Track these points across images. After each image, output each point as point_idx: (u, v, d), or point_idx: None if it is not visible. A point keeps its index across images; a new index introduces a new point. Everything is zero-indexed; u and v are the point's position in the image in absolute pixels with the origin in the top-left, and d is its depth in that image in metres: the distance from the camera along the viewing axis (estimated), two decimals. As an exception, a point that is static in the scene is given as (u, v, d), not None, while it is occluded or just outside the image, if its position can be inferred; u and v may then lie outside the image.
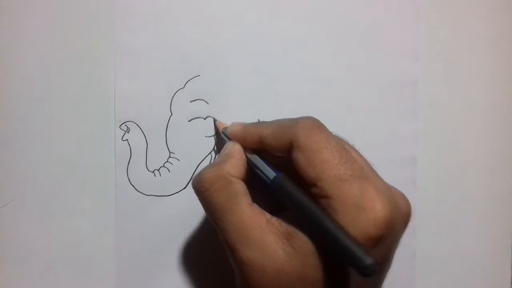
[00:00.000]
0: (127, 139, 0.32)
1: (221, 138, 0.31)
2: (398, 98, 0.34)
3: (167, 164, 0.32)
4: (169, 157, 0.32)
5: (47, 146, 0.31)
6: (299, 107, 0.32)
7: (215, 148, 0.32)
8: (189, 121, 0.32)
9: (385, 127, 0.33)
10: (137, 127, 0.32)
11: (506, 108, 0.35)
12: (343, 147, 0.24)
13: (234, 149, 0.28)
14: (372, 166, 0.25)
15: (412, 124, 0.34)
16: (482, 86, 0.34)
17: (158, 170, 0.32)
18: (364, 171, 0.24)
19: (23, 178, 0.31)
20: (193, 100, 0.32)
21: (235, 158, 0.27)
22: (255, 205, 0.25)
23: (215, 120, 0.32)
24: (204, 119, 0.32)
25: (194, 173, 0.32)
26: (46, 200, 0.32)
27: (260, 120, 0.32)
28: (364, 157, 0.26)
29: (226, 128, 0.29)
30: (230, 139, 0.29)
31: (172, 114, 0.32)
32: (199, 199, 0.26)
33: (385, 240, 0.23)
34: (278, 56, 0.32)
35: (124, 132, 0.32)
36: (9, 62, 0.31)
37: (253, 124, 0.28)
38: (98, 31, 0.31)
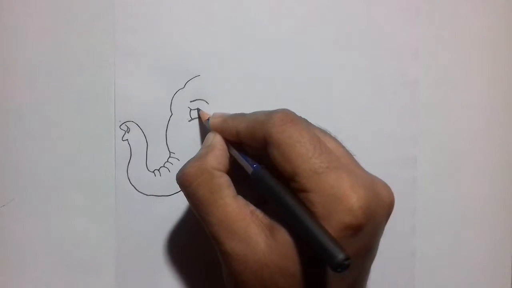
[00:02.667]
0: (127, 139, 0.32)
1: (204, 127, 0.31)
2: (398, 98, 0.34)
3: (167, 164, 0.32)
4: (169, 157, 0.32)
5: (47, 146, 0.31)
6: (299, 107, 0.32)
7: (200, 139, 0.32)
8: (189, 121, 0.32)
9: (385, 127, 0.33)
10: (137, 127, 0.32)
11: (506, 108, 0.35)
12: (317, 138, 0.24)
13: (215, 140, 0.28)
14: (354, 156, 0.25)
15: (412, 124, 0.34)
16: (482, 86, 0.34)
17: (158, 170, 0.32)
18: (340, 162, 0.24)
19: (23, 178, 0.31)
20: (193, 100, 0.32)
21: (217, 150, 0.27)
22: (240, 197, 0.25)
23: (199, 110, 0.32)
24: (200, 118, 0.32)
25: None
26: (46, 200, 0.32)
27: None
28: (344, 147, 0.26)
29: (208, 118, 0.30)
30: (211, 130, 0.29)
31: (172, 114, 0.32)
32: (183, 193, 0.26)
33: (365, 229, 0.23)
34: (278, 56, 0.32)
35: (124, 132, 0.32)
36: (9, 62, 0.31)
37: (231, 116, 0.28)
38: (98, 31, 0.31)
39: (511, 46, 0.34)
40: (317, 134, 0.25)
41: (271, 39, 0.32)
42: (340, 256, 0.21)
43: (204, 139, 0.31)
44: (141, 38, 0.31)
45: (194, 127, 0.32)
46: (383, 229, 0.25)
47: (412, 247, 0.34)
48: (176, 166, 0.32)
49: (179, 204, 0.32)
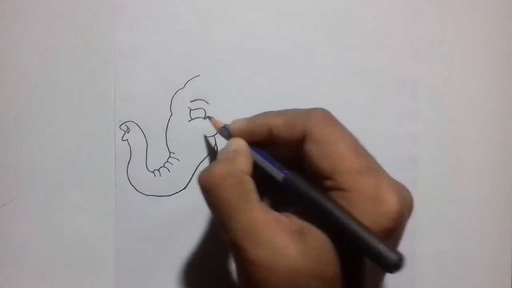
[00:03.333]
0: (127, 139, 0.32)
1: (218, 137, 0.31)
2: (398, 98, 0.34)
3: (167, 164, 0.32)
4: (169, 157, 0.32)
5: (47, 146, 0.31)
6: (299, 107, 0.32)
7: (216, 147, 0.32)
8: (189, 121, 0.32)
9: (385, 127, 0.33)
10: (137, 127, 0.32)
11: (506, 108, 0.35)
12: (356, 139, 0.24)
13: (240, 146, 0.27)
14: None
15: (412, 124, 0.34)
16: (482, 86, 0.34)
17: (158, 170, 0.32)
18: (377, 165, 0.24)
19: (23, 178, 0.31)
20: (193, 100, 0.32)
21: (244, 155, 0.26)
22: (264, 204, 0.25)
23: (211, 118, 0.31)
24: (204, 119, 0.32)
25: (194, 173, 0.32)
26: (46, 200, 0.32)
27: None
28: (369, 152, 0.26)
29: (223, 126, 0.29)
30: (230, 137, 0.28)
31: (172, 114, 0.32)
32: (205, 195, 0.25)
33: (397, 232, 0.23)
34: (278, 56, 0.32)
35: (124, 132, 0.32)
36: (9, 62, 0.31)
37: (259, 115, 0.28)
38: (98, 31, 0.31)
39: (511, 46, 0.34)
40: (355, 136, 0.25)
41: (271, 39, 0.32)
42: (394, 257, 0.21)
43: (202, 142, 0.31)
44: (141, 38, 0.31)
45: (194, 127, 0.32)
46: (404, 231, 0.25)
47: (412, 247, 0.34)
48: (176, 166, 0.32)
49: (179, 204, 0.32)
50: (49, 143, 0.31)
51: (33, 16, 0.31)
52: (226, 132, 0.29)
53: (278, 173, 0.25)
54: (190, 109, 0.32)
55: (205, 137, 0.31)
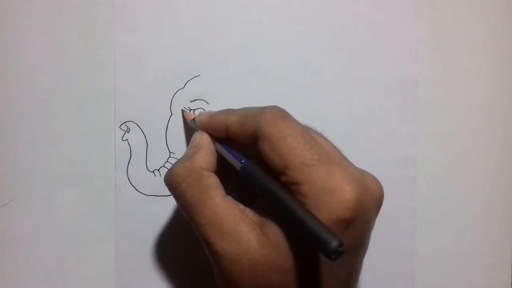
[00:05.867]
0: (127, 139, 0.32)
1: (189, 129, 0.31)
2: (398, 98, 0.34)
3: (167, 164, 0.32)
4: (169, 157, 0.32)
5: (47, 146, 0.31)
6: (299, 107, 0.32)
7: (185, 140, 0.32)
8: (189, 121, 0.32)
9: (385, 127, 0.33)
10: (137, 127, 0.32)
11: (506, 108, 0.35)
12: (308, 133, 0.24)
13: (202, 139, 0.28)
14: (341, 151, 0.26)
15: (412, 124, 0.34)
16: (482, 86, 0.34)
17: (158, 170, 0.32)
18: (330, 156, 0.24)
19: (23, 178, 0.31)
20: (193, 100, 0.32)
21: (205, 150, 0.27)
22: (229, 197, 0.25)
23: (183, 111, 0.32)
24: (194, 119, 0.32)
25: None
26: (46, 200, 0.32)
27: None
28: (332, 143, 0.26)
29: (192, 119, 0.30)
30: (198, 130, 0.29)
31: (172, 114, 0.32)
32: (172, 195, 0.26)
33: (356, 222, 0.23)
34: (278, 56, 0.32)
35: (124, 132, 0.32)
36: (9, 62, 0.31)
37: (220, 111, 0.28)
38: (98, 31, 0.31)
39: (511, 46, 0.34)
40: (307, 129, 0.25)
41: (271, 39, 0.32)
42: (334, 242, 0.20)
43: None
44: (141, 38, 0.31)
45: (194, 127, 0.32)
46: (373, 222, 0.25)
47: (412, 247, 0.34)
48: (176, 166, 0.32)
49: (179, 204, 0.32)
50: (49, 143, 0.31)
51: (33, 16, 0.31)
52: (194, 124, 0.29)
53: (236, 162, 0.26)
54: (190, 109, 0.32)
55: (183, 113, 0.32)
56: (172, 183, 0.26)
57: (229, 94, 0.32)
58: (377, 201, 0.25)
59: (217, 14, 0.32)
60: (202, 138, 0.28)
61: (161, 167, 0.32)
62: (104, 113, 0.32)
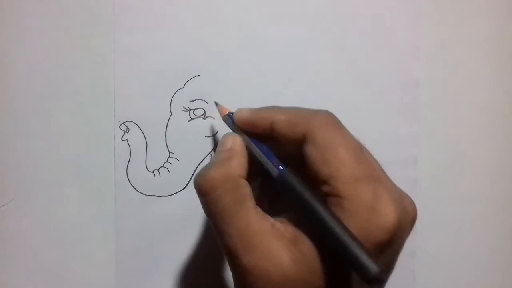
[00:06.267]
0: (127, 139, 0.32)
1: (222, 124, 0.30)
2: (398, 98, 0.33)
3: (167, 164, 0.32)
4: (169, 157, 0.32)
5: (47, 146, 0.32)
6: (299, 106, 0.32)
7: (212, 144, 0.32)
8: (188, 121, 0.32)
9: (386, 127, 0.33)
10: (137, 127, 0.32)
11: (506, 108, 0.35)
12: (359, 147, 0.23)
13: (236, 143, 0.26)
14: (383, 169, 0.25)
15: (413, 124, 0.34)
16: (482, 86, 0.34)
17: (158, 170, 0.32)
18: (378, 173, 0.23)
19: (23, 178, 0.32)
20: (193, 100, 0.32)
21: (240, 155, 0.25)
22: (259, 208, 0.24)
23: (217, 104, 0.31)
24: (204, 119, 0.32)
25: (194, 173, 0.32)
26: (46, 200, 0.32)
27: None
28: (376, 160, 0.25)
29: (227, 114, 0.28)
30: (231, 126, 0.27)
31: (172, 114, 0.32)
32: (202, 199, 0.25)
33: (393, 245, 0.22)
34: (278, 56, 0.32)
35: (124, 132, 0.32)
36: (9, 62, 0.31)
37: (264, 108, 0.27)
38: (98, 31, 0.31)
39: (511, 46, 0.34)
40: (358, 143, 0.24)
41: (271, 39, 0.32)
42: (376, 269, 0.20)
43: (202, 142, 0.31)
44: (141, 38, 0.31)
45: (194, 127, 0.32)
46: (404, 245, 0.24)
47: (412, 247, 0.34)
48: (176, 166, 0.32)
49: (179, 204, 0.32)
50: (49, 143, 0.32)
51: (33, 16, 0.31)
52: (229, 120, 0.28)
53: (273, 168, 0.24)
54: (190, 109, 0.32)
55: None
56: (206, 187, 0.24)
57: (229, 94, 0.32)
58: (412, 223, 0.24)
59: (217, 14, 0.32)
60: (236, 141, 0.26)
61: (160, 167, 0.32)
62: (104, 113, 0.32)
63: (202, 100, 0.32)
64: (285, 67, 0.32)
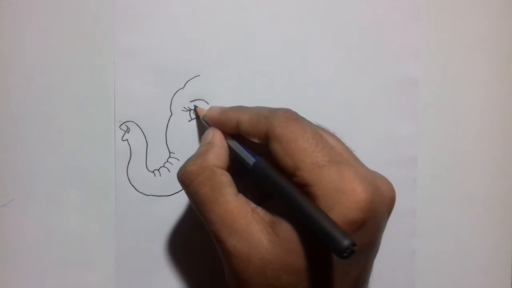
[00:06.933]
0: (127, 139, 0.32)
1: (202, 125, 0.31)
2: (398, 98, 0.34)
3: (167, 164, 0.32)
4: (169, 157, 0.32)
5: (47, 146, 0.31)
6: (299, 107, 0.32)
7: (198, 135, 0.32)
8: (189, 121, 0.32)
9: (385, 127, 0.33)
10: (137, 127, 0.32)
11: (506, 108, 0.35)
12: (319, 134, 0.24)
13: (215, 137, 0.28)
14: (354, 152, 0.25)
15: (412, 124, 0.34)
16: (482, 86, 0.34)
17: (158, 170, 0.32)
18: (342, 156, 0.24)
19: (23, 178, 0.31)
20: (193, 100, 0.32)
21: (217, 147, 0.27)
22: (240, 195, 0.25)
23: (195, 107, 0.32)
24: (203, 119, 0.32)
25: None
26: (46, 200, 0.32)
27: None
28: (344, 143, 0.26)
29: (205, 114, 0.30)
30: (209, 126, 0.29)
31: (172, 114, 0.32)
32: (185, 191, 0.26)
33: (368, 224, 0.23)
34: (278, 56, 0.32)
35: (124, 132, 0.32)
36: (9, 62, 0.31)
37: (231, 108, 0.28)
38: (98, 31, 0.31)
39: (511, 46, 0.34)
40: (318, 131, 0.25)
41: (271, 39, 0.32)
42: (346, 241, 0.20)
43: (199, 134, 0.32)
44: (141, 38, 0.31)
45: (194, 127, 0.32)
46: (385, 224, 0.25)
47: (412, 247, 0.34)
48: (176, 166, 0.32)
49: (179, 204, 0.32)
50: (49, 143, 0.31)
51: (33, 16, 0.31)
52: (205, 120, 0.30)
53: (248, 160, 0.26)
54: (190, 109, 0.32)
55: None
56: (185, 180, 0.26)
57: (229, 94, 0.32)
58: (389, 203, 0.25)
59: (217, 14, 0.32)
60: (215, 135, 0.28)
61: (161, 167, 0.32)
62: (104, 113, 0.32)
63: (202, 100, 0.32)
64: (284, 67, 0.32)
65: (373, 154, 0.33)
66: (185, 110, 0.32)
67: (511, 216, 0.35)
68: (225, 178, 0.26)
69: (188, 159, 0.27)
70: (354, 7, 0.33)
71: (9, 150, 0.31)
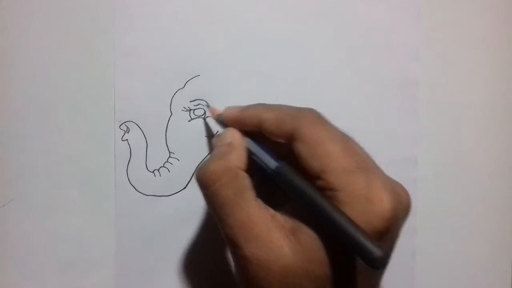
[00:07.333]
0: (127, 139, 0.32)
1: (204, 125, 0.31)
2: (398, 98, 0.34)
3: (167, 164, 0.32)
4: (169, 157, 0.32)
5: (47, 146, 0.31)
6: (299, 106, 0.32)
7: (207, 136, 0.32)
8: (189, 121, 0.32)
9: (385, 127, 0.33)
10: (137, 127, 0.32)
11: (506, 108, 0.35)
12: (346, 139, 0.24)
13: (235, 137, 0.27)
14: (373, 159, 0.25)
15: (412, 124, 0.34)
16: (482, 86, 0.34)
17: (158, 170, 0.32)
18: (368, 163, 0.24)
19: (23, 178, 0.31)
20: (193, 100, 0.32)
21: (239, 148, 0.26)
22: (259, 200, 0.25)
23: (208, 106, 0.31)
24: (204, 119, 0.32)
25: (194, 173, 0.32)
26: (46, 200, 0.32)
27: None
28: (365, 150, 0.25)
29: (220, 114, 0.29)
30: (225, 126, 0.28)
31: (172, 114, 0.32)
32: (203, 192, 0.25)
33: (390, 232, 0.23)
34: (278, 56, 0.32)
35: (124, 132, 0.32)
36: (9, 62, 0.31)
37: (252, 106, 0.28)
38: (98, 31, 0.31)
39: (511, 46, 0.34)
40: (344, 135, 0.25)
41: (271, 39, 0.32)
42: (379, 252, 0.20)
43: (202, 142, 0.31)
44: (141, 38, 0.31)
45: (194, 127, 0.32)
46: (400, 233, 0.25)
47: (412, 247, 0.34)
48: (176, 166, 0.32)
49: (179, 204, 0.32)
50: (49, 143, 0.32)
51: (33, 16, 0.31)
52: (221, 119, 0.29)
53: (271, 162, 0.25)
54: (190, 109, 0.32)
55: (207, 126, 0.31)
56: (206, 180, 0.25)
57: (229, 94, 0.32)
58: (407, 211, 0.25)
59: (217, 14, 0.32)
60: (235, 136, 0.27)
61: (161, 167, 0.32)
62: (104, 113, 0.32)
63: (202, 100, 0.32)
64: (285, 67, 0.32)
65: (373, 154, 0.33)
66: (185, 110, 0.32)
67: (511, 216, 0.35)
68: (247, 182, 0.25)
69: (209, 158, 0.26)
70: (354, 8, 0.33)
71: (9, 150, 0.31)
